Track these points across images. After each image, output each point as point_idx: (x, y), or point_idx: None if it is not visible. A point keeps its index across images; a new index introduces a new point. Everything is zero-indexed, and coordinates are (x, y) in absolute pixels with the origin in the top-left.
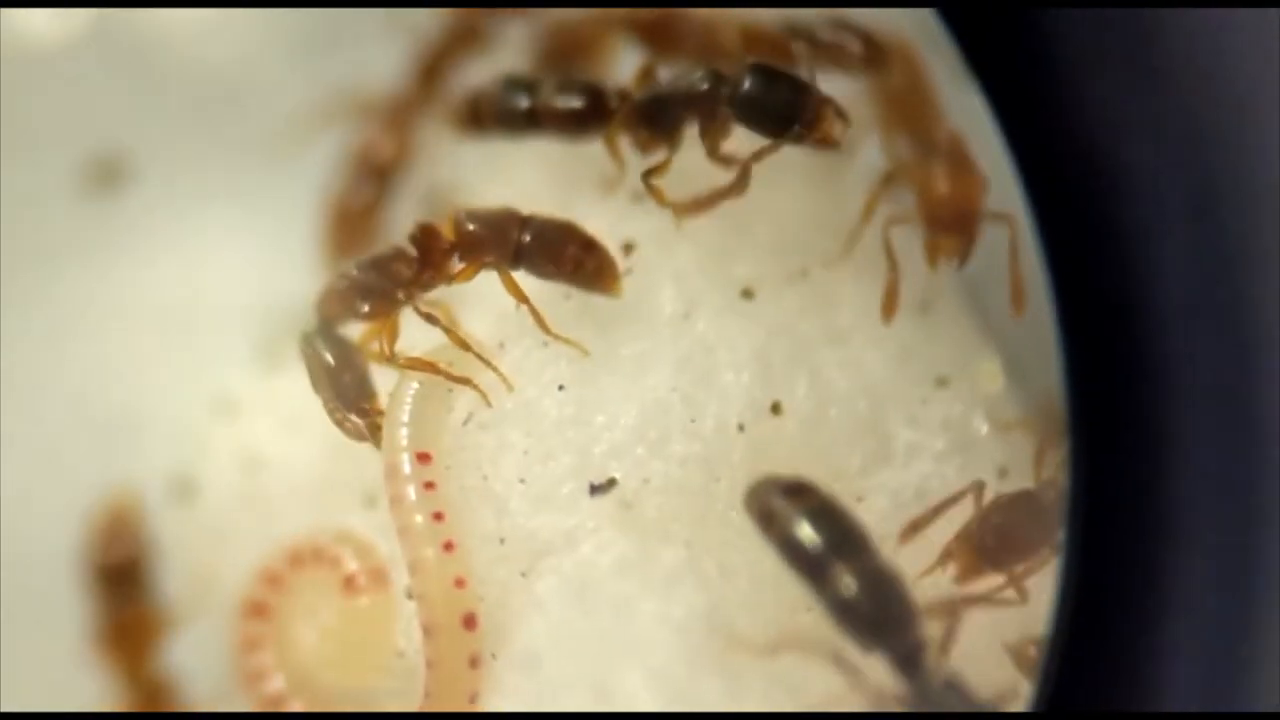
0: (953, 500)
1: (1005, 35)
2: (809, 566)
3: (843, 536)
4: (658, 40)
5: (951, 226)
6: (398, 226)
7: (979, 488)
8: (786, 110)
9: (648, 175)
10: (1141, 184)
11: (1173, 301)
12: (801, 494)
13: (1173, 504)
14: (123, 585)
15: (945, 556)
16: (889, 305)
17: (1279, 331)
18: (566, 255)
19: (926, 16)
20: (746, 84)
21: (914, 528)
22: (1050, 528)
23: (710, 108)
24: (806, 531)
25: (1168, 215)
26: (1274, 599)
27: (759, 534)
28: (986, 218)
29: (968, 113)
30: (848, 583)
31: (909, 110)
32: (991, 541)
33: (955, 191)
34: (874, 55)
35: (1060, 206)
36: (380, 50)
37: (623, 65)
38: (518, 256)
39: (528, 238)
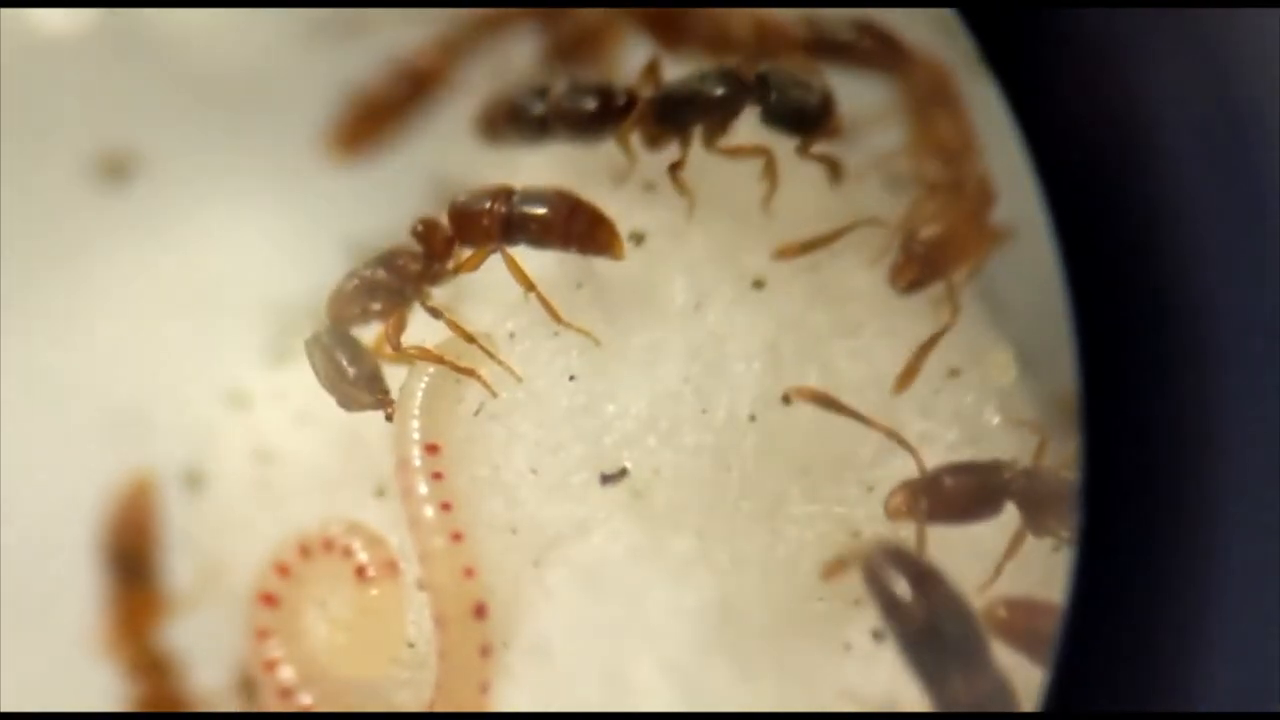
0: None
1: (1025, 35)
2: (925, 666)
3: (964, 640)
4: (666, 34)
5: (921, 264)
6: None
7: None
8: (816, 114)
9: (673, 169)
10: (1160, 177)
11: (1189, 291)
12: (932, 584)
13: (1183, 500)
14: (132, 569)
15: (895, 498)
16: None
17: None
18: (556, 217)
19: (946, 15)
20: (774, 93)
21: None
22: (994, 508)
23: (724, 112)
24: (932, 631)
25: (1186, 208)
26: None
27: (873, 603)
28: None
29: (984, 107)
30: (960, 694)
31: (938, 128)
32: (932, 499)
33: (946, 237)
34: (891, 54)
35: (1075, 200)
36: (392, 45)
37: (631, 59)
38: (509, 226)
39: (518, 206)
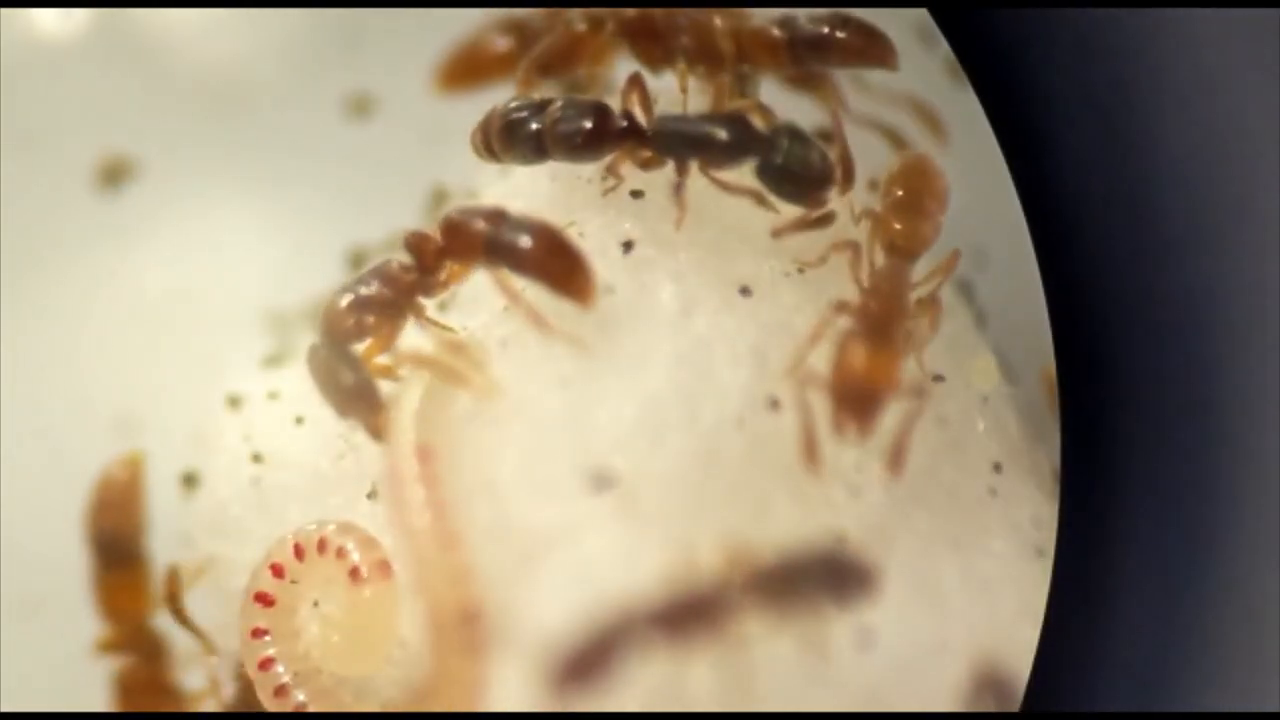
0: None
1: (997, 34)
2: None
3: None
4: (648, 48)
5: (855, 409)
6: None
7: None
8: (812, 187)
9: (676, 189)
10: (1140, 180)
11: (1168, 296)
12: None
13: (1166, 498)
14: (119, 551)
15: None
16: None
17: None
18: (536, 250)
19: (922, 16)
20: (781, 157)
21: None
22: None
23: (726, 158)
24: None
25: (1167, 210)
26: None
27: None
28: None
29: (961, 108)
30: None
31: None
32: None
33: (870, 370)
34: (873, 45)
35: (1053, 206)
36: (390, 47)
37: (619, 72)
38: (492, 249)
39: (504, 232)
